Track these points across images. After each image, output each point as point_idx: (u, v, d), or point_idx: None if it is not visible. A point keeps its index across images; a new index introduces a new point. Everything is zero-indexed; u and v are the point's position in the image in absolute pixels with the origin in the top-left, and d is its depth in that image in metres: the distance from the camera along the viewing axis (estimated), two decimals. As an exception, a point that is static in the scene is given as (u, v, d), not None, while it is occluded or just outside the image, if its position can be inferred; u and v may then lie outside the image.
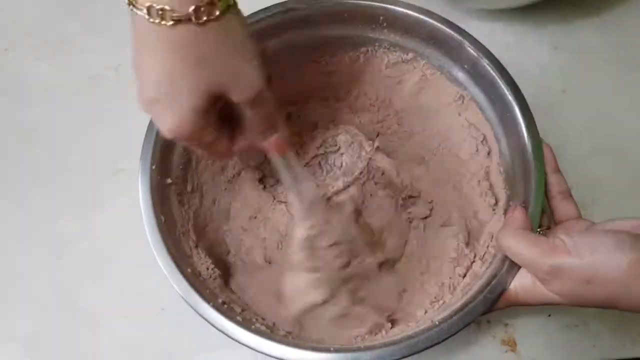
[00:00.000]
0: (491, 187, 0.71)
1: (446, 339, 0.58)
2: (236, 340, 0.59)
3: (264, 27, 0.71)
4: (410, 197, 0.75)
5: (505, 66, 0.67)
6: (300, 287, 0.68)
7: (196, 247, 0.69)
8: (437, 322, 0.59)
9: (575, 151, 0.80)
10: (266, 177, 0.77)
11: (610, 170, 0.79)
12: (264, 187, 0.77)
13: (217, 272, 0.68)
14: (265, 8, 0.71)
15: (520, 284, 0.58)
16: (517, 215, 0.60)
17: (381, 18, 0.71)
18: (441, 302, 0.66)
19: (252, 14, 0.71)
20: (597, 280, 0.51)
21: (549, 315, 0.73)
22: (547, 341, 0.72)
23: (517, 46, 0.85)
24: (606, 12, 0.87)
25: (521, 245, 0.56)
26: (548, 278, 0.54)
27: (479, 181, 0.72)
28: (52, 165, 0.81)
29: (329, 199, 0.72)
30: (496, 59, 0.68)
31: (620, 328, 0.72)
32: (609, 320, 0.72)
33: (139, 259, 0.73)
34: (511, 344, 0.72)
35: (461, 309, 0.59)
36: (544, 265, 0.54)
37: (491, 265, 0.63)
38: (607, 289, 0.52)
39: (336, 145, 0.76)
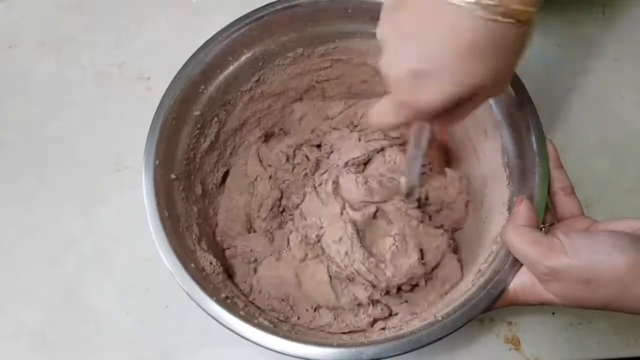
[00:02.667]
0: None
1: (449, 334, 0.58)
2: (239, 335, 0.59)
3: (267, 23, 0.72)
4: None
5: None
6: None
7: (199, 242, 0.69)
8: (440, 318, 0.59)
9: (581, 149, 0.80)
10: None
11: (616, 168, 0.79)
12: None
13: (220, 267, 0.69)
14: (270, 4, 0.72)
15: (521, 283, 0.58)
16: (522, 209, 0.60)
17: (386, 14, 0.71)
18: None
19: (257, 9, 0.71)
20: (595, 282, 0.51)
21: (553, 314, 0.72)
22: (551, 339, 0.72)
23: (522, 44, 0.85)
24: (611, 9, 0.87)
25: (521, 244, 0.56)
26: (547, 279, 0.54)
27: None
28: (57, 162, 0.81)
29: None
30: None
31: (623, 326, 0.72)
32: (613, 318, 0.72)
33: (143, 254, 0.73)
34: (515, 342, 0.72)
35: (464, 304, 0.59)
36: (542, 266, 0.53)
37: (494, 261, 0.63)
38: (605, 291, 0.52)
39: None
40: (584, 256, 0.52)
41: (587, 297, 0.53)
